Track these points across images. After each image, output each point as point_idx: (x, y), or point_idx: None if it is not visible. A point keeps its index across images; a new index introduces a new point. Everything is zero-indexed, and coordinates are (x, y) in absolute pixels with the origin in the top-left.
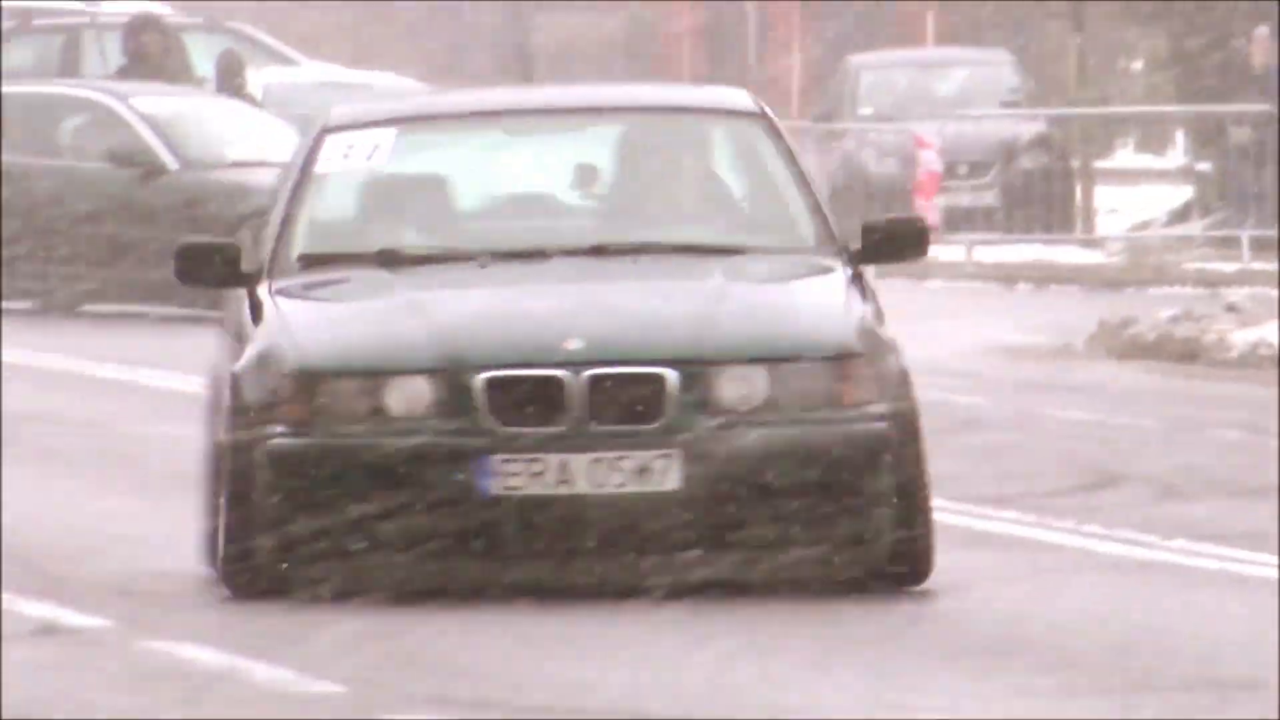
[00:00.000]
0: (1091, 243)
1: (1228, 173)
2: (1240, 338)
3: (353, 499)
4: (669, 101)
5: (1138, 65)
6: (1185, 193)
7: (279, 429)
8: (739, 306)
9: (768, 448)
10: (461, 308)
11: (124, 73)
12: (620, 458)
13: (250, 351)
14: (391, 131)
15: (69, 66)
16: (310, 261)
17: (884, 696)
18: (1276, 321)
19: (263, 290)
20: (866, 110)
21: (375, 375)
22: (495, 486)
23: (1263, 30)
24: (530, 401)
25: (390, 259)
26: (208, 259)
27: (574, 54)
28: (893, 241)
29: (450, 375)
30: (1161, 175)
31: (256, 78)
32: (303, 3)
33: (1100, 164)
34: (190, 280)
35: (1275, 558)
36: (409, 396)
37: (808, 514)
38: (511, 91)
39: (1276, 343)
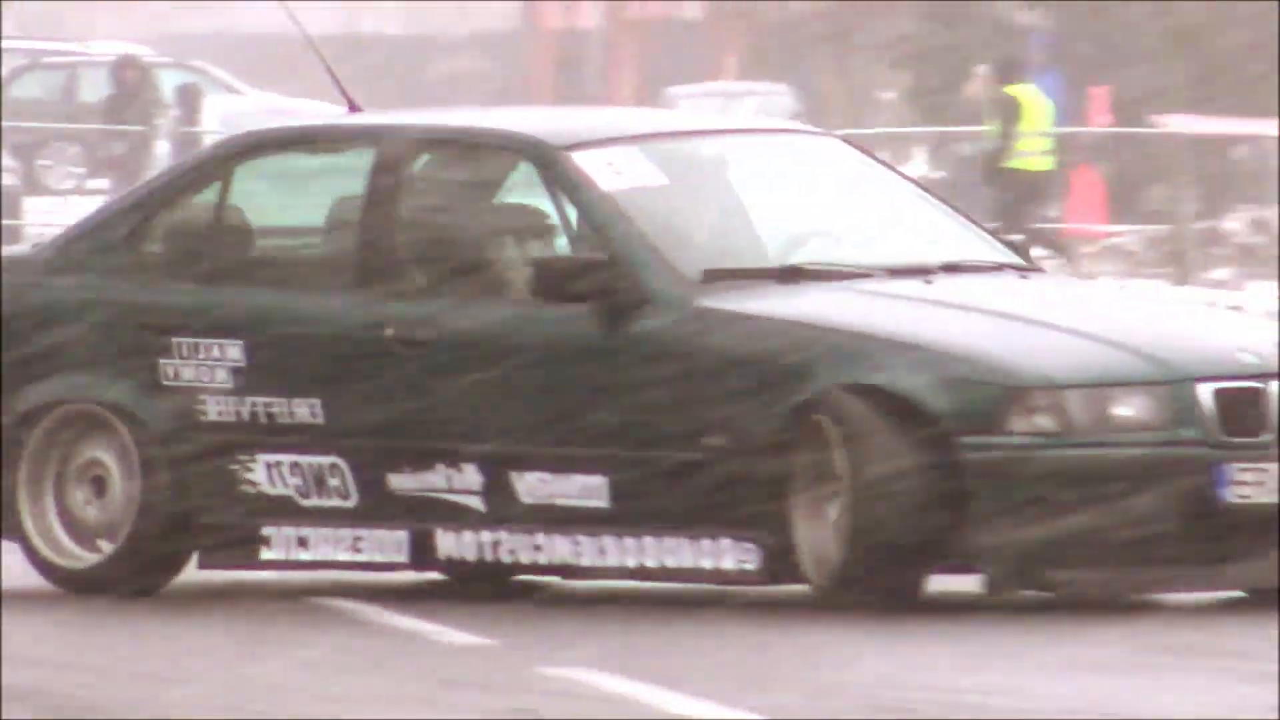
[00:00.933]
0: None
1: (958, 180)
2: None
3: (1092, 506)
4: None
5: (889, 95)
6: None
7: (1003, 440)
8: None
9: None
10: (1138, 321)
11: (111, 101)
12: None
13: (937, 373)
14: (632, 149)
15: (70, 96)
16: (712, 277)
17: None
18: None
19: (727, 304)
20: None
21: (1108, 387)
22: (1230, 495)
23: (982, 68)
24: (1238, 411)
25: (792, 275)
26: (582, 276)
27: (463, 88)
28: None
29: (1176, 386)
30: None
31: (211, 106)
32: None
33: None
34: (557, 297)
35: None
36: (1140, 406)
37: None
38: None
39: None
